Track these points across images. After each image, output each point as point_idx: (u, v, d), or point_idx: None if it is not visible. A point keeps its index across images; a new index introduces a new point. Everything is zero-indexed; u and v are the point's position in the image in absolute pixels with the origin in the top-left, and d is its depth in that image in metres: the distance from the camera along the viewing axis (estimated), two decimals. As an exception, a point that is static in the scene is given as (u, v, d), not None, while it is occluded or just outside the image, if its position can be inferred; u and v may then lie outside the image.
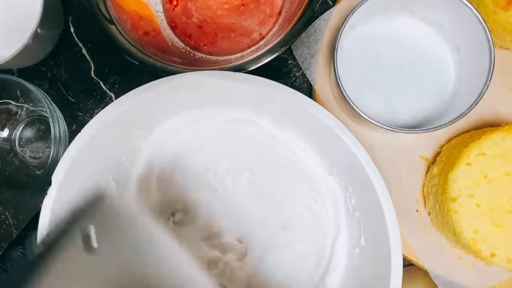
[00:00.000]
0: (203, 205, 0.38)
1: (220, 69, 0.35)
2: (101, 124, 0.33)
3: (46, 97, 0.40)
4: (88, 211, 0.27)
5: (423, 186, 0.39)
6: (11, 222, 0.44)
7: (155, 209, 0.37)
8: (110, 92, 0.44)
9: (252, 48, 0.41)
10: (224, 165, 0.38)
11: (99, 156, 0.34)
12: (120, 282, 0.28)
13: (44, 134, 0.44)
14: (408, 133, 0.33)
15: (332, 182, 0.37)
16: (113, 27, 0.37)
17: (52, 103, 0.40)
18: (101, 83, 0.44)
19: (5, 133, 0.44)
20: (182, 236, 0.36)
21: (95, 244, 0.27)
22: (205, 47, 0.42)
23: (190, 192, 0.38)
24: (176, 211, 0.38)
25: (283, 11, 0.42)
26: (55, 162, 0.40)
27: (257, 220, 0.38)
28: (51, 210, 0.31)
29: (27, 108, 0.44)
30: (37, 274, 0.22)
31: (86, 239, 0.26)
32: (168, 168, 0.38)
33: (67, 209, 0.26)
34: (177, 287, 0.30)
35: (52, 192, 0.31)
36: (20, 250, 0.29)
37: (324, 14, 0.40)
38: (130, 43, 0.36)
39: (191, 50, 0.43)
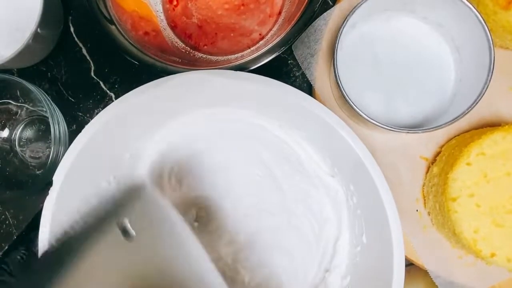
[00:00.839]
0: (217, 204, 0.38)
1: (220, 69, 0.35)
2: (102, 123, 0.33)
3: (46, 97, 0.40)
4: (127, 201, 0.27)
5: (423, 186, 0.39)
6: (11, 222, 0.44)
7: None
8: (110, 92, 0.44)
9: (252, 48, 0.41)
10: (228, 166, 0.38)
11: (101, 156, 0.34)
12: (149, 273, 0.28)
13: (44, 134, 0.44)
14: (408, 133, 0.33)
15: (333, 180, 0.37)
16: (113, 27, 0.37)
17: (52, 103, 0.40)
18: (101, 83, 0.44)
19: (5, 133, 0.44)
20: (202, 234, 0.37)
21: (132, 232, 0.27)
22: (205, 47, 0.43)
23: (206, 189, 0.38)
24: (197, 210, 0.38)
25: (283, 11, 0.42)
26: (55, 162, 0.40)
27: (259, 220, 0.38)
28: (52, 210, 0.31)
29: (27, 108, 0.44)
30: (74, 257, 0.22)
31: (124, 228, 0.27)
32: (178, 168, 0.38)
33: (104, 198, 0.27)
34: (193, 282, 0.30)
35: (53, 192, 0.31)
36: (22, 251, 0.29)
37: (324, 14, 0.40)
38: (130, 43, 0.36)
39: (191, 50, 0.43)
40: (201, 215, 0.38)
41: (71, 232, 0.25)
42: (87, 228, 0.25)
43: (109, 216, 0.26)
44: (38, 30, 0.38)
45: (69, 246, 0.24)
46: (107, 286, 0.26)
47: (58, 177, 0.32)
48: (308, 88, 0.43)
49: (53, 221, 0.31)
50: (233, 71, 0.33)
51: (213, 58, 0.42)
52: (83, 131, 0.32)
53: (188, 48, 0.43)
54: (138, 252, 0.28)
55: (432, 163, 0.38)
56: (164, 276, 0.29)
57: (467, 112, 0.33)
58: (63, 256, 0.24)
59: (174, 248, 0.30)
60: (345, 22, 0.34)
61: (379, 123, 0.33)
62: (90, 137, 0.32)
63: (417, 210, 0.39)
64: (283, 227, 0.37)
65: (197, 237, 0.34)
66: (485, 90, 0.32)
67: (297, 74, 0.43)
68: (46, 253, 0.25)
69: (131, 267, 0.27)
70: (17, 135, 0.44)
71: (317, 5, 0.35)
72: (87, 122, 0.44)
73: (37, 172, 0.43)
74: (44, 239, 0.30)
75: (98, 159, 0.34)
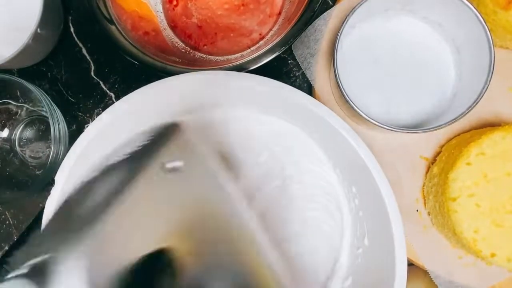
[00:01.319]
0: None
1: (221, 69, 0.35)
2: (105, 123, 0.33)
3: (46, 97, 0.40)
4: (166, 139, 0.27)
5: (423, 186, 0.39)
6: (11, 222, 0.44)
7: None
8: (110, 92, 0.44)
9: (252, 48, 0.41)
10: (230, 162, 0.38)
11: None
12: (183, 212, 0.28)
13: (44, 134, 0.44)
14: (408, 133, 0.33)
15: (335, 182, 0.37)
16: (113, 27, 0.37)
17: (52, 103, 0.40)
18: (101, 83, 0.44)
19: (5, 133, 0.44)
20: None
21: (172, 166, 0.27)
22: (205, 47, 0.43)
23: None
24: None
25: (283, 11, 0.42)
26: (55, 162, 0.40)
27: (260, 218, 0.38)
28: (54, 210, 0.31)
29: (27, 108, 0.44)
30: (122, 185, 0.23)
31: (168, 164, 0.27)
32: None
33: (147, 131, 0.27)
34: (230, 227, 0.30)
35: (55, 192, 0.31)
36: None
37: (324, 14, 0.40)
38: (130, 43, 0.36)
39: (191, 50, 0.43)
40: None
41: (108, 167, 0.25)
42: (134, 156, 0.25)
43: (149, 155, 0.26)
44: (38, 30, 0.38)
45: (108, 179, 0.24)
46: (154, 223, 0.26)
47: (60, 177, 0.32)
48: (308, 88, 0.43)
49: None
50: (233, 72, 0.33)
51: (213, 58, 0.42)
52: (85, 130, 0.32)
53: (188, 48, 0.43)
54: (185, 187, 0.28)
55: (432, 163, 0.38)
56: (207, 216, 0.28)
57: (467, 112, 0.33)
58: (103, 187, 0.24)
59: (217, 192, 0.30)
60: (345, 22, 0.34)
61: (379, 123, 0.33)
62: (93, 137, 0.32)
63: (417, 210, 0.39)
64: (283, 227, 0.37)
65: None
66: (485, 90, 0.32)
67: (297, 74, 0.43)
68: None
69: (177, 202, 0.27)
70: (17, 135, 0.44)
71: (317, 5, 0.35)
72: (87, 122, 0.44)
73: (37, 172, 0.43)
74: None
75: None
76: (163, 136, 0.27)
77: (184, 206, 0.27)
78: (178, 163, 0.27)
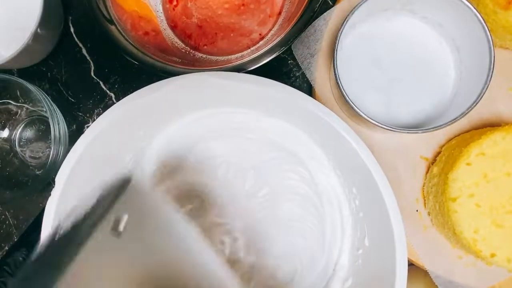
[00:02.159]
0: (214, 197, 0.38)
1: (220, 69, 0.35)
2: (105, 124, 0.33)
3: (46, 97, 0.40)
4: (115, 194, 0.27)
5: (423, 186, 0.39)
6: (11, 222, 0.44)
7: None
8: (110, 92, 0.44)
9: (252, 48, 0.41)
10: (230, 164, 0.38)
11: (103, 157, 0.34)
12: (143, 269, 0.28)
13: (44, 134, 0.44)
14: (408, 133, 0.33)
15: (336, 183, 0.37)
16: (113, 27, 0.37)
17: (52, 103, 0.41)
18: (101, 83, 0.44)
19: (5, 133, 0.44)
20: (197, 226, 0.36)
21: (121, 228, 0.27)
22: (205, 47, 0.43)
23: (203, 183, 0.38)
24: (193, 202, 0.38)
25: (283, 11, 0.42)
26: (55, 162, 0.40)
27: (259, 221, 0.38)
28: (54, 210, 0.31)
29: (27, 108, 0.44)
30: (66, 253, 0.22)
31: (115, 223, 0.26)
32: (177, 166, 0.38)
33: (96, 189, 0.27)
34: (197, 277, 0.30)
35: (55, 193, 0.31)
36: (24, 252, 0.29)
37: (324, 14, 0.40)
38: (130, 43, 0.36)
39: (191, 50, 0.43)
40: (197, 206, 0.38)
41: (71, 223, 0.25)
42: (81, 220, 0.25)
43: (108, 210, 0.26)
44: (38, 30, 0.38)
45: (69, 240, 0.24)
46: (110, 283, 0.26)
47: (60, 178, 0.32)
48: (308, 88, 0.43)
49: (55, 221, 0.31)
50: (233, 73, 0.33)
51: (213, 58, 0.42)
52: (85, 131, 0.32)
53: (188, 48, 0.43)
54: (129, 248, 0.28)
55: (432, 163, 0.38)
56: (163, 269, 0.28)
57: (467, 112, 0.33)
58: (63, 250, 0.24)
59: (170, 240, 0.30)
60: (345, 22, 0.34)
61: (379, 123, 0.33)
62: (93, 138, 0.32)
63: (417, 210, 0.39)
64: (283, 228, 0.37)
65: (195, 227, 0.34)
66: (485, 90, 0.32)
67: (297, 74, 0.43)
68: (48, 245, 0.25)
69: (125, 264, 0.27)
70: (17, 135, 0.44)
71: (317, 5, 0.35)
72: (87, 122, 0.44)
73: (37, 172, 0.43)
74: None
75: (101, 160, 0.34)
76: (114, 192, 0.27)
77: (145, 263, 0.27)
78: (127, 219, 0.27)
